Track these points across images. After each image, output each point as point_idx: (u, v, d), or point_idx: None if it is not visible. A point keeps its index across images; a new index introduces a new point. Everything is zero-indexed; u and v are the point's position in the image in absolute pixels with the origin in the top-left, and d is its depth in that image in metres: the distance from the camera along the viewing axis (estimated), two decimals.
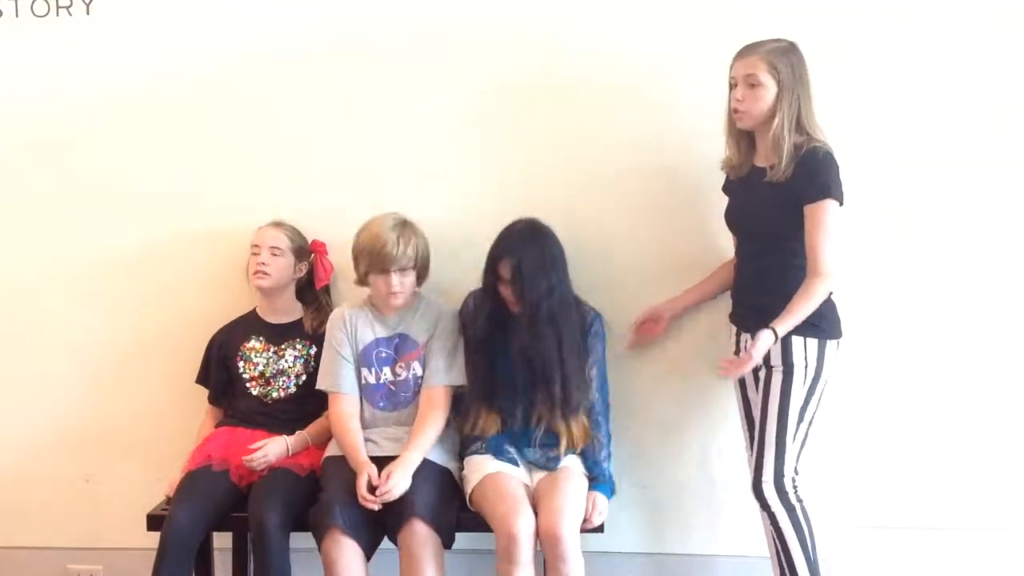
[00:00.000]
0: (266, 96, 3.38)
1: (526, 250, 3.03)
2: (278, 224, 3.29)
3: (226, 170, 3.42)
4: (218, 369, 3.31)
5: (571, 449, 3.10)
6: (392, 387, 3.16)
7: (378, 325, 3.17)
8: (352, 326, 3.15)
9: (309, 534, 2.95)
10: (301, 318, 3.32)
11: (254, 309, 3.35)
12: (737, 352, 3.06)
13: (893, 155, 3.37)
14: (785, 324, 2.83)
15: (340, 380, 3.13)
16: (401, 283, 3.06)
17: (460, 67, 3.31)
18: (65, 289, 3.50)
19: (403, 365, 3.15)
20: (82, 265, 3.49)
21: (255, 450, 3.09)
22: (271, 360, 3.27)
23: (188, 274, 3.44)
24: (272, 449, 3.10)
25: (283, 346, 3.28)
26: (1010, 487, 3.44)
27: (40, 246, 3.50)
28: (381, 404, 3.16)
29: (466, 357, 3.16)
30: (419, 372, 3.15)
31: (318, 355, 3.24)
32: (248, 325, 3.33)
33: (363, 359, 3.15)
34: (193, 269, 3.44)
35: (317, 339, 3.27)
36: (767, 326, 2.83)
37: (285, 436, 3.14)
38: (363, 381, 3.16)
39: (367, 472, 2.93)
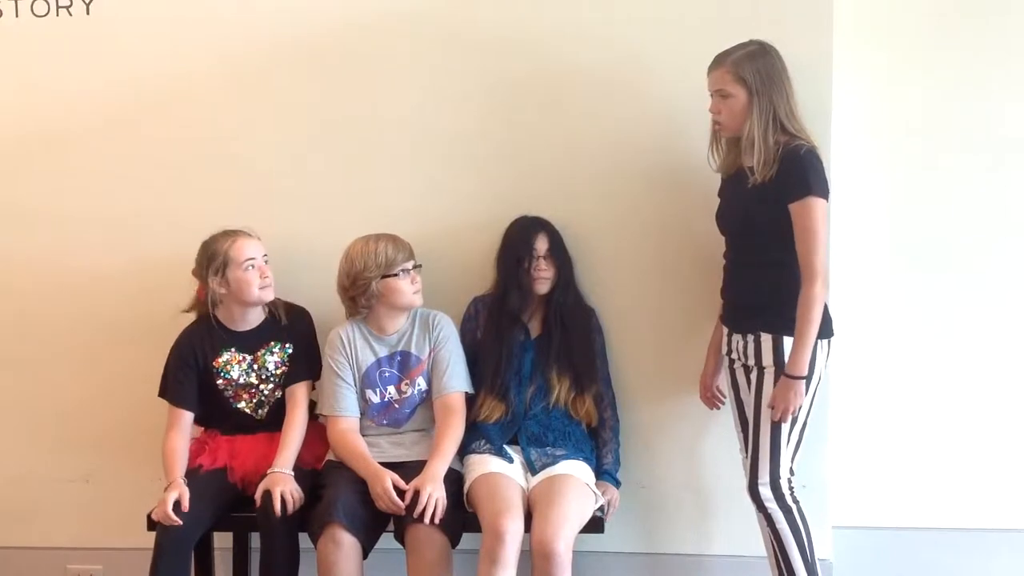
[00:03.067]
0: (265, 97, 3.38)
1: (552, 226, 3.20)
2: (248, 233, 3.16)
3: (225, 167, 3.41)
4: (187, 375, 3.15)
5: (579, 437, 3.15)
6: (396, 404, 3.16)
7: (376, 344, 3.16)
8: (352, 348, 3.15)
9: (302, 535, 2.95)
10: (264, 320, 3.20)
11: (212, 318, 3.17)
12: (730, 352, 3.06)
13: (893, 154, 3.38)
14: (801, 359, 2.83)
15: (342, 405, 3.12)
16: (418, 279, 3.11)
17: (455, 68, 3.30)
18: (64, 287, 3.50)
19: (408, 382, 3.16)
20: (82, 263, 3.48)
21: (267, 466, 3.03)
22: (249, 371, 3.18)
23: (187, 274, 3.42)
24: (287, 489, 2.96)
25: (260, 353, 3.19)
26: (1011, 487, 3.45)
27: (40, 246, 3.50)
28: (384, 421, 3.17)
29: (475, 357, 3.19)
30: (423, 387, 3.15)
31: (290, 339, 3.18)
32: (214, 337, 3.17)
33: (366, 381, 3.15)
34: (192, 269, 3.43)
35: (291, 333, 3.19)
36: (786, 374, 2.85)
37: (284, 472, 3.00)
38: (367, 401, 3.15)
39: (390, 478, 2.93)
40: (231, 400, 3.19)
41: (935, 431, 3.44)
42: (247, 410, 3.19)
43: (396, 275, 3.07)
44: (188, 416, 3.17)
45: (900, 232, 3.41)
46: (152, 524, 3.08)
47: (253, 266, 3.11)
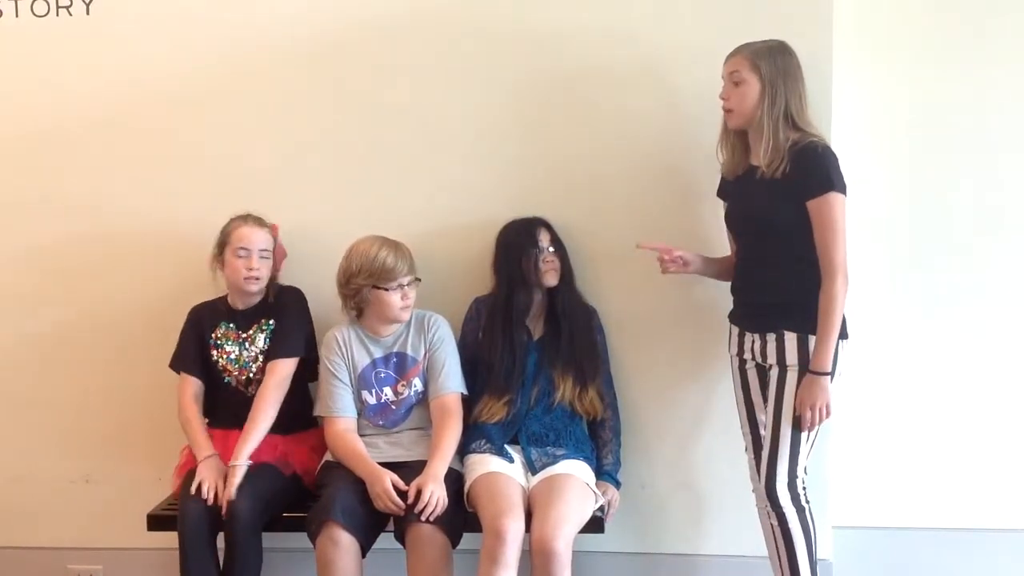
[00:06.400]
0: (266, 95, 3.38)
1: (549, 223, 3.23)
2: (258, 222, 3.22)
3: (226, 166, 3.41)
4: (195, 343, 3.25)
5: (579, 437, 3.15)
6: (393, 406, 3.16)
7: (372, 346, 3.16)
8: (347, 349, 3.15)
9: (301, 535, 2.96)
10: (261, 299, 3.25)
11: (226, 296, 3.29)
12: (740, 352, 3.06)
13: (893, 154, 3.38)
14: (826, 356, 2.84)
15: (339, 405, 3.12)
16: (411, 295, 3.10)
17: (461, 67, 3.30)
18: (64, 288, 3.51)
19: (404, 383, 3.16)
20: (81, 264, 3.49)
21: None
22: (242, 347, 3.23)
23: (190, 272, 3.42)
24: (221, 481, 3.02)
25: (251, 331, 3.25)
26: (1011, 487, 3.45)
27: (39, 245, 3.51)
28: (380, 422, 3.17)
29: (477, 358, 3.19)
30: (419, 388, 3.16)
31: (276, 323, 3.21)
32: (220, 312, 3.27)
33: (362, 382, 3.15)
34: (194, 267, 3.41)
35: (275, 310, 3.22)
36: (811, 371, 2.85)
37: (237, 463, 3.02)
38: (363, 403, 3.16)
39: (389, 478, 2.93)
40: (223, 374, 3.23)
41: (935, 431, 3.44)
42: (238, 387, 3.23)
43: (387, 289, 3.07)
44: (195, 383, 3.24)
45: (900, 232, 3.41)
46: (152, 524, 3.10)
47: (244, 255, 3.16)
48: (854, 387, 3.36)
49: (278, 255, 3.29)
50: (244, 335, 3.24)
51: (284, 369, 3.16)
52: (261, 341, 3.23)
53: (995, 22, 3.31)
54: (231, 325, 3.25)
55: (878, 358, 3.43)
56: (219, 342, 3.24)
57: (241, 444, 3.06)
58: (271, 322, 3.23)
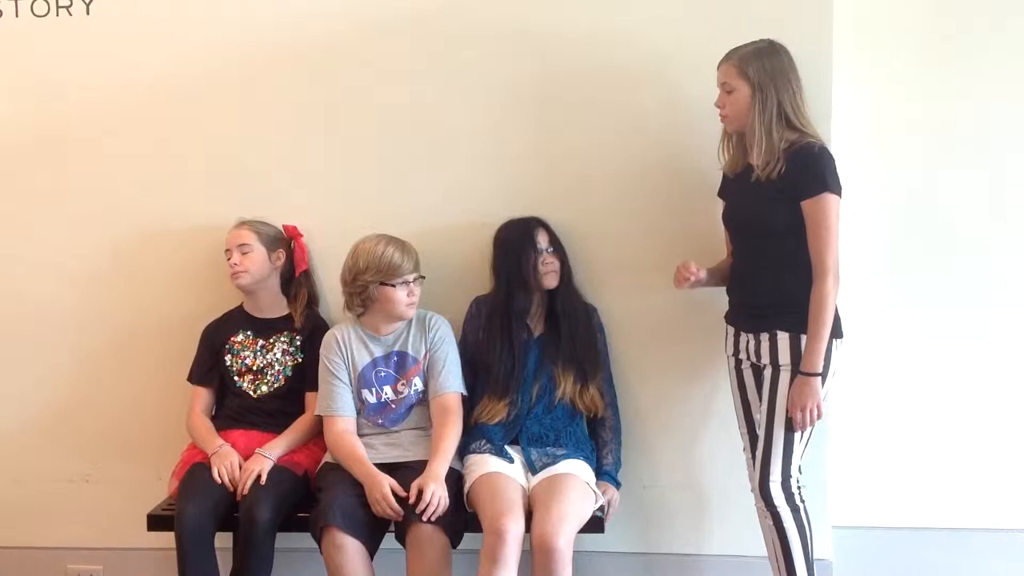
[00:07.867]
0: (266, 95, 3.38)
1: (547, 222, 3.23)
2: (241, 222, 3.29)
3: (225, 166, 3.41)
4: (209, 357, 3.31)
5: (579, 437, 3.15)
6: (393, 405, 3.16)
7: (372, 344, 3.17)
8: (347, 348, 3.15)
9: (306, 534, 2.96)
10: (289, 313, 3.33)
11: (241, 305, 3.36)
12: (736, 352, 3.06)
13: (893, 154, 3.38)
14: (816, 356, 2.84)
15: (338, 404, 3.13)
16: (416, 292, 3.11)
17: (456, 68, 3.30)
18: (64, 288, 3.50)
19: (404, 382, 3.16)
20: (81, 264, 3.49)
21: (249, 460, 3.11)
22: (258, 354, 3.28)
23: (188, 272, 3.44)
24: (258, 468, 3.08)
25: (271, 340, 3.29)
26: (1010, 487, 3.45)
27: (38, 245, 3.50)
28: (380, 421, 3.17)
29: (477, 357, 3.20)
30: (419, 387, 3.16)
31: (305, 347, 3.26)
32: (236, 320, 3.34)
33: (362, 381, 3.15)
34: (192, 266, 3.44)
35: (305, 333, 3.28)
36: (801, 372, 2.86)
37: (263, 454, 3.10)
38: (363, 402, 3.16)
39: (388, 483, 2.93)
40: (235, 378, 3.28)
41: (935, 431, 3.45)
42: (247, 389, 3.27)
43: (393, 285, 3.07)
44: (207, 396, 3.32)
45: (900, 232, 3.41)
46: (152, 524, 3.10)
47: (228, 256, 3.26)
48: (853, 387, 3.37)
49: (300, 253, 3.33)
50: (262, 343, 3.29)
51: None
52: (279, 351, 3.27)
53: (995, 22, 3.32)
54: (249, 332, 3.30)
55: (877, 358, 3.43)
56: (235, 348, 3.29)
57: (275, 442, 3.14)
58: (297, 339, 3.28)
